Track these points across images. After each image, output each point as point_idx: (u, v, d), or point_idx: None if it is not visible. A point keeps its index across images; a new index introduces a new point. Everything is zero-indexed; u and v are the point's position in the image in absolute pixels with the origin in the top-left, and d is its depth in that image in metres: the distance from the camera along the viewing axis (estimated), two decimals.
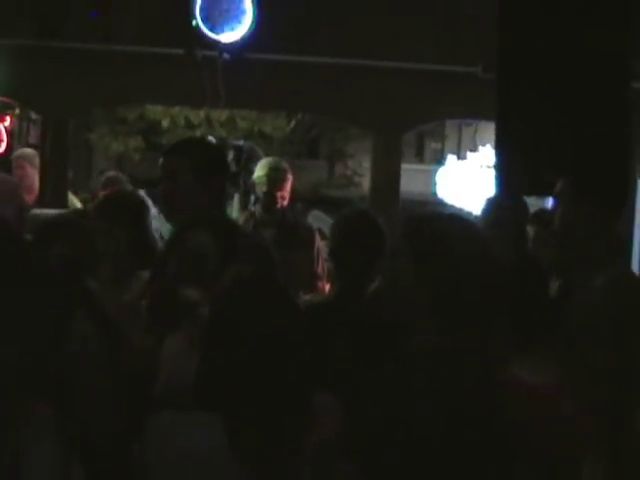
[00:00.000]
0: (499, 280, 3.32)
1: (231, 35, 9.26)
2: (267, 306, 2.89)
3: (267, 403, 2.85)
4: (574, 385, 4.01)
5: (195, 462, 2.83)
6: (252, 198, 7.27)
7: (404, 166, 11.32)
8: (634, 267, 5.82)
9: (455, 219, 3.47)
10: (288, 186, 6.82)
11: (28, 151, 10.28)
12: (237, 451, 2.83)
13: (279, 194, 6.72)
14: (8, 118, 10.77)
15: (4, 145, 10.81)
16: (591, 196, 4.83)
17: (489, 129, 9.25)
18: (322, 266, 6.58)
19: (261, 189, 6.77)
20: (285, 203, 6.84)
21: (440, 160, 13.59)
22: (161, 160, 4.68)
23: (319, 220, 8.40)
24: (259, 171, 6.91)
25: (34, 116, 11.24)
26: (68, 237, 4.26)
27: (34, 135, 11.30)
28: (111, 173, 10.55)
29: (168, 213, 4.64)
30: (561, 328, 4.30)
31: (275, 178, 6.79)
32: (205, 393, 2.93)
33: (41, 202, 9.72)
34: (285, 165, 7.15)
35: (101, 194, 7.68)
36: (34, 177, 9.19)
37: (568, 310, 4.39)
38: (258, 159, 7.08)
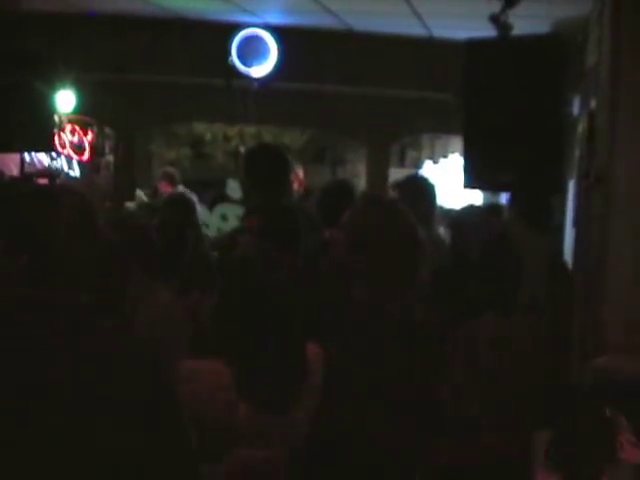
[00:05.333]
0: (411, 251, 3.40)
1: (259, 69, 9.34)
2: (269, 279, 2.87)
3: (269, 354, 2.77)
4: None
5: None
6: None
7: (391, 170, 11.35)
8: (567, 252, 5.92)
9: (386, 209, 3.54)
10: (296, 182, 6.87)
11: (169, 170, 10.37)
12: (243, 392, 2.72)
13: None
14: (90, 133, 10.82)
15: (87, 154, 10.89)
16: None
17: (457, 141, 9.36)
18: None
19: None
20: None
21: (418, 165, 13.53)
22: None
23: None
24: None
25: (108, 132, 11.27)
26: None
27: (108, 147, 11.33)
28: (169, 169, 10.65)
29: (244, 199, 4.80)
30: None
31: None
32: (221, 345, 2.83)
33: (114, 197, 9.86)
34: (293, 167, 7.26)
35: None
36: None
37: None
38: None
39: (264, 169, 4.62)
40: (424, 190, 5.91)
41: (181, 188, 10.03)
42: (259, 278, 2.82)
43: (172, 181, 10.12)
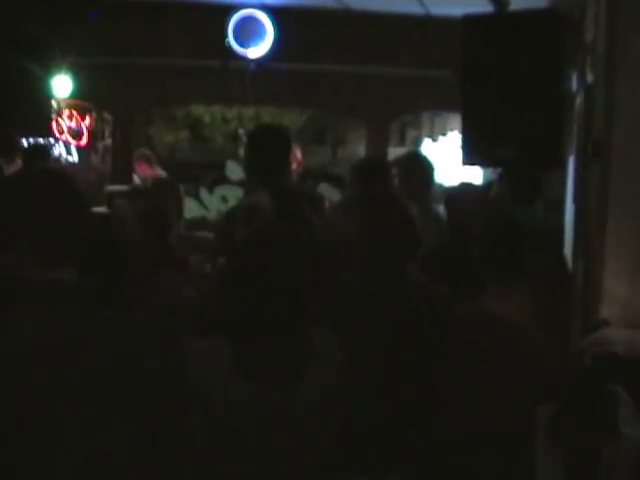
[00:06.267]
0: (409, 234, 3.41)
1: (256, 50, 9.32)
2: (274, 257, 2.79)
3: (269, 332, 2.76)
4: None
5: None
6: None
7: (390, 149, 11.34)
8: (567, 228, 5.92)
9: (382, 195, 3.58)
10: (294, 162, 6.91)
11: (145, 152, 10.34)
12: (242, 369, 2.72)
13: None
14: (88, 118, 10.81)
15: (85, 139, 10.89)
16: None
17: (456, 118, 9.34)
18: None
19: None
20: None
21: (418, 143, 13.52)
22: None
23: (327, 191, 8.48)
24: None
25: (106, 117, 11.26)
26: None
27: (106, 131, 11.32)
28: (144, 150, 10.60)
29: (247, 177, 4.80)
30: None
31: None
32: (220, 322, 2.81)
33: (113, 180, 9.85)
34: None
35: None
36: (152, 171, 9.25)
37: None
38: None
39: (266, 150, 4.62)
40: (418, 166, 5.91)
41: (159, 170, 10.03)
42: (266, 258, 2.81)
43: (150, 162, 10.11)
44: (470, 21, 5.82)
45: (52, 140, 10.30)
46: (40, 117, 7.08)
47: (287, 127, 13.51)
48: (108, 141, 11.00)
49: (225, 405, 2.72)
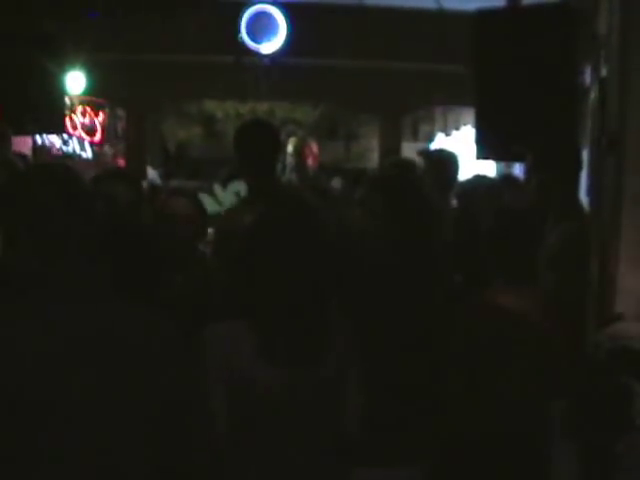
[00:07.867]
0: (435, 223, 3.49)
1: (269, 45, 9.33)
2: (294, 242, 2.77)
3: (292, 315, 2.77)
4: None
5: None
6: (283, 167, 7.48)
7: (403, 144, 11.33)
8: None
9: (408, 180, 3.63)
10: (310, 157, 6.98)
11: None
12: (263, 353, 2.73)
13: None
14: (101, 114, 10.84)
15: (99, 135, 10.93)
16: (550, 167, 4.92)
17: (469, 113, 9.34)
18: None
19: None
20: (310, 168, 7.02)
21: (430, 138, 13.50)
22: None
23: (340, 186, 8.47)
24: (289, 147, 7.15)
25: (119, 113, 11.28)
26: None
27: (120, 127, 11.35)
28: None
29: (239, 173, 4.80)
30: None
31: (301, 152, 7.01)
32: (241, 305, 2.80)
33: None
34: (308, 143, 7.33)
35: None
36: None
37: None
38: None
39: (253, 145, 4.60)
40: (441, 164, 5.94)
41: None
42: (285, 243, 2.81)
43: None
44: (483, 15, 5.81)
45: (66, 136, 10.36)
46: (54, 114, 7.08)
47: (300, 121, 13.55)
48: (108, 150, 11.02)
49: (247, 389, 2.73)
